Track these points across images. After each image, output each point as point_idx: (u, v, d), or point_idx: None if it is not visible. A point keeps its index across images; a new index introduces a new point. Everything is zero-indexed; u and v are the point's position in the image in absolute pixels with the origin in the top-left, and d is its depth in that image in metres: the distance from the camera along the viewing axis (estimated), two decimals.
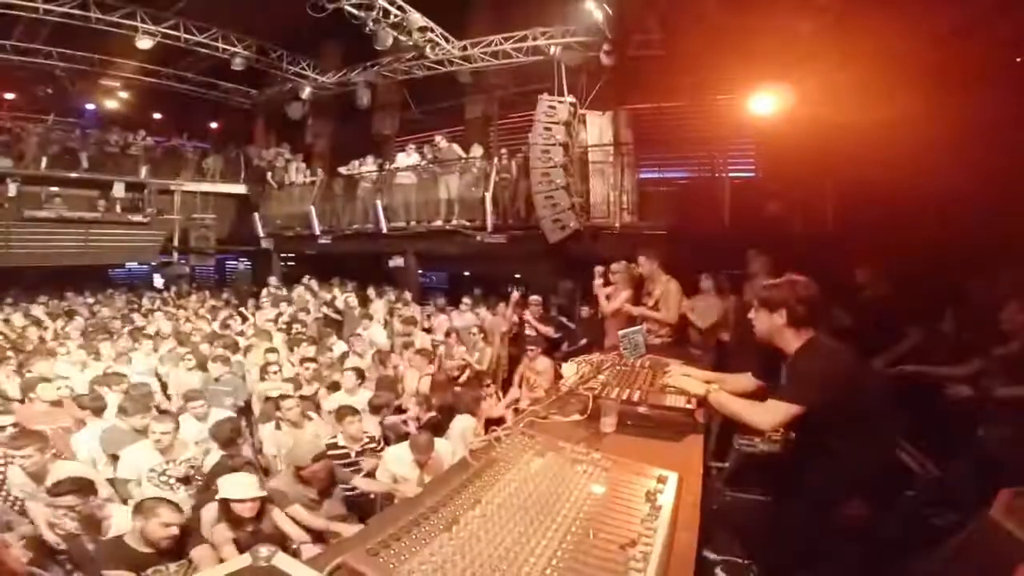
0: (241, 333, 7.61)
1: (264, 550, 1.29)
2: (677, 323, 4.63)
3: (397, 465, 3.82)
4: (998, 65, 5.27)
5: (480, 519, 1.37)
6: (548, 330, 6.63)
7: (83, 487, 3.02)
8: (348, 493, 3.82)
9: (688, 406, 2.32)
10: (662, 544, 1.28)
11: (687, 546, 1.37)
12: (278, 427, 4.56)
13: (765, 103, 6.75)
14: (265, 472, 4.17)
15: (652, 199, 8.67)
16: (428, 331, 7.66)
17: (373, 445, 4.28)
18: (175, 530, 2.74)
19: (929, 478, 3.13)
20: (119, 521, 2.98)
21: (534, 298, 6.90)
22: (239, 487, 3.06)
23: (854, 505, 2.46)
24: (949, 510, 2.81)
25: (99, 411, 4.32)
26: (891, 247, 4.93)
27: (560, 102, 8.29)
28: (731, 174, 8.22)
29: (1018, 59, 5.43)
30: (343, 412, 4.24)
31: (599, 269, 5.21)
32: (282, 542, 2.98)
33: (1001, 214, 4.57)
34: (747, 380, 2.53)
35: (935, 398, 3.46)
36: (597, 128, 8.96)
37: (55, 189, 11.72)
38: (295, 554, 2.43)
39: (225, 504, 3.02)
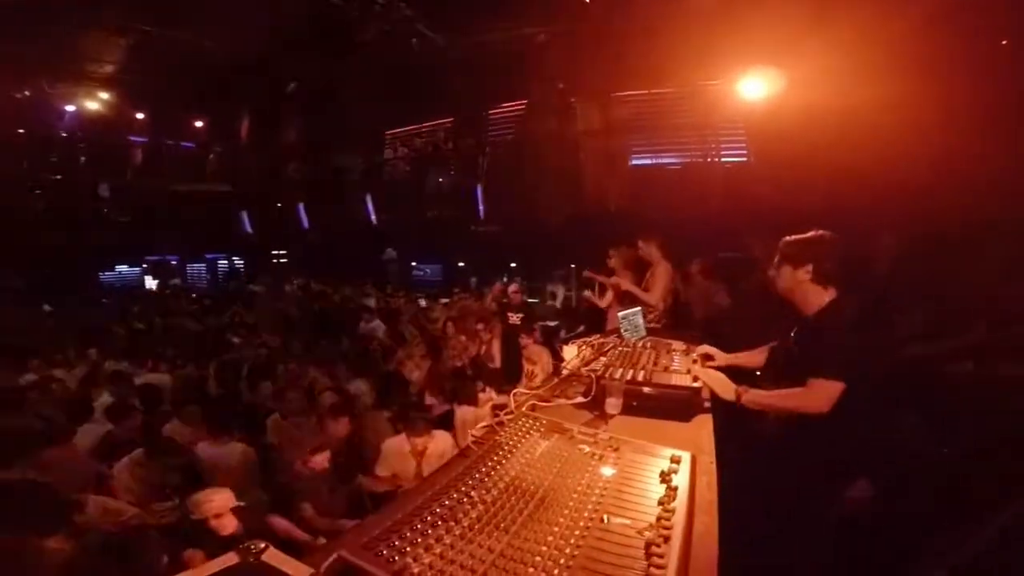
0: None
1: (253, 545, 1.19)
2: (668, 307, 4.55)
3: (395, 458, 3.73)
4: (985, 48, 5.27)
5: (484, 506, 1.28)
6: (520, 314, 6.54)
7: None
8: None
9: (695, 385, 2.22)
10: (683, 525, 1.19)
11: (708, 527, 1.29)
12: (284, 417, 4.43)
13: (755, 87, 6.69)
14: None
15: (645, 184, 8.59)
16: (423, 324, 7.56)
17: None
18: None
19: (941, 456, 3.06)
20: None
21: (512, 287, 6.92)
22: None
23: (860, 487, 2.38)
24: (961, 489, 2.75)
25: None
26: (882, 226, 4.89)
27: (552, 90, 8.18)
28: (723, 158, 8.17)
29: (1003, 42, 5.41)
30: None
31: (586, 274, 5.17)
32: None
33: (988, 192, 4.55)
34: (762, 356, 2.45)
35: (938, 376, 3.40)
36: (589, 115, 8.86)
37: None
38: None
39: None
